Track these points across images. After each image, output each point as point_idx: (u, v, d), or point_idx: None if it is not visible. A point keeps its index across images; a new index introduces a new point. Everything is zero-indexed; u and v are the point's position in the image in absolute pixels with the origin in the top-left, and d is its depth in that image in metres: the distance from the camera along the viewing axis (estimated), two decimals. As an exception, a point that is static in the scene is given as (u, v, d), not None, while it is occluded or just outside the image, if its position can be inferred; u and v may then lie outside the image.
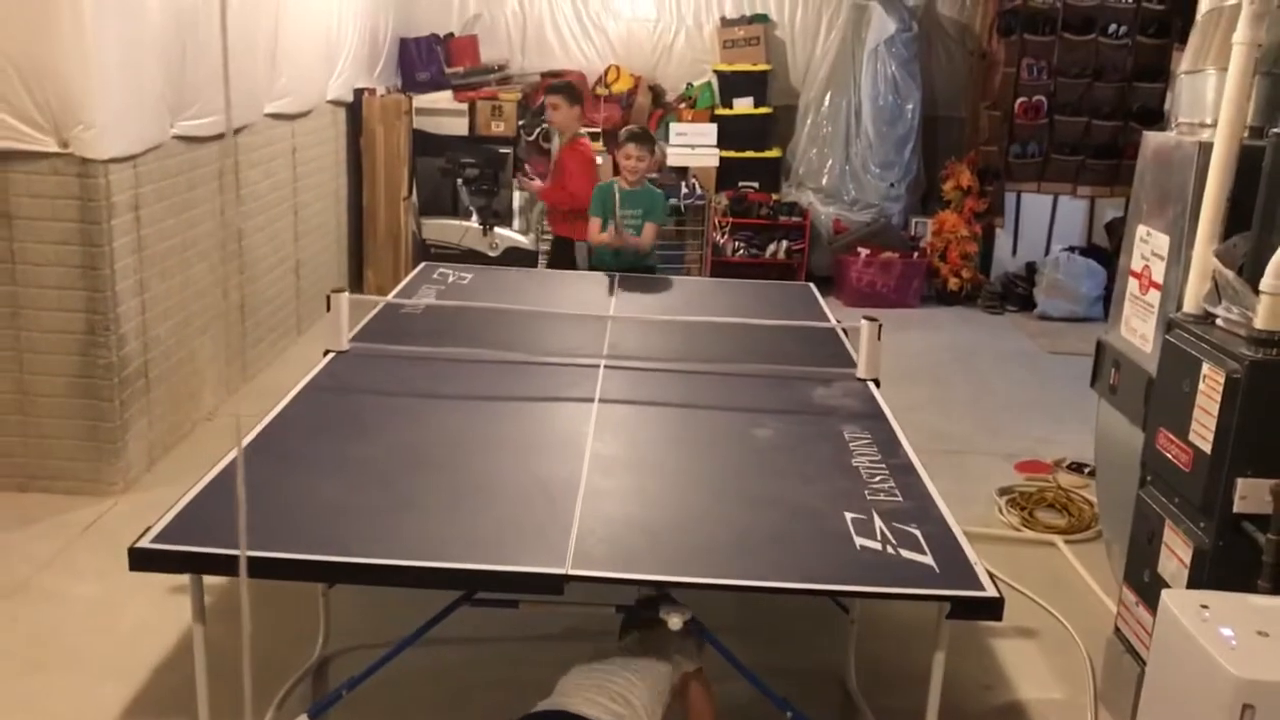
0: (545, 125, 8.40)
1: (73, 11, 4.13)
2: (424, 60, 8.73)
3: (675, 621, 2.61)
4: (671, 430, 3.45)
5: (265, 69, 6.02)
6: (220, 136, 5.48)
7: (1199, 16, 3.87)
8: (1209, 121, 3.55)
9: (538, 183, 6.91)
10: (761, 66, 8.94)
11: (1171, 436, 3.19)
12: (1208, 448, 2.98)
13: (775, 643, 3.74)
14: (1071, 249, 8.64)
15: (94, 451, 4.54)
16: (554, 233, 6.39)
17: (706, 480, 3.06)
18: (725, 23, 9.08)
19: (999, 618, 2.44)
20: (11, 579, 3.93)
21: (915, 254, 8.69)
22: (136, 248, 4.60)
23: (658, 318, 4.58)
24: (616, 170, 6.06)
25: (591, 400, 3.55)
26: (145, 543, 2.44)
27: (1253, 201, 3.16)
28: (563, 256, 6.14)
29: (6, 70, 4.13)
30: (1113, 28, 8.54)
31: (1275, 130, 3.14)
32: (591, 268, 5.66)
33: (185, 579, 2.59)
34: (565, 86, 6.35)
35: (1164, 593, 2.74)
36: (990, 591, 2.42)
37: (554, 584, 2.41)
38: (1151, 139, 3.94)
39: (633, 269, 5.47)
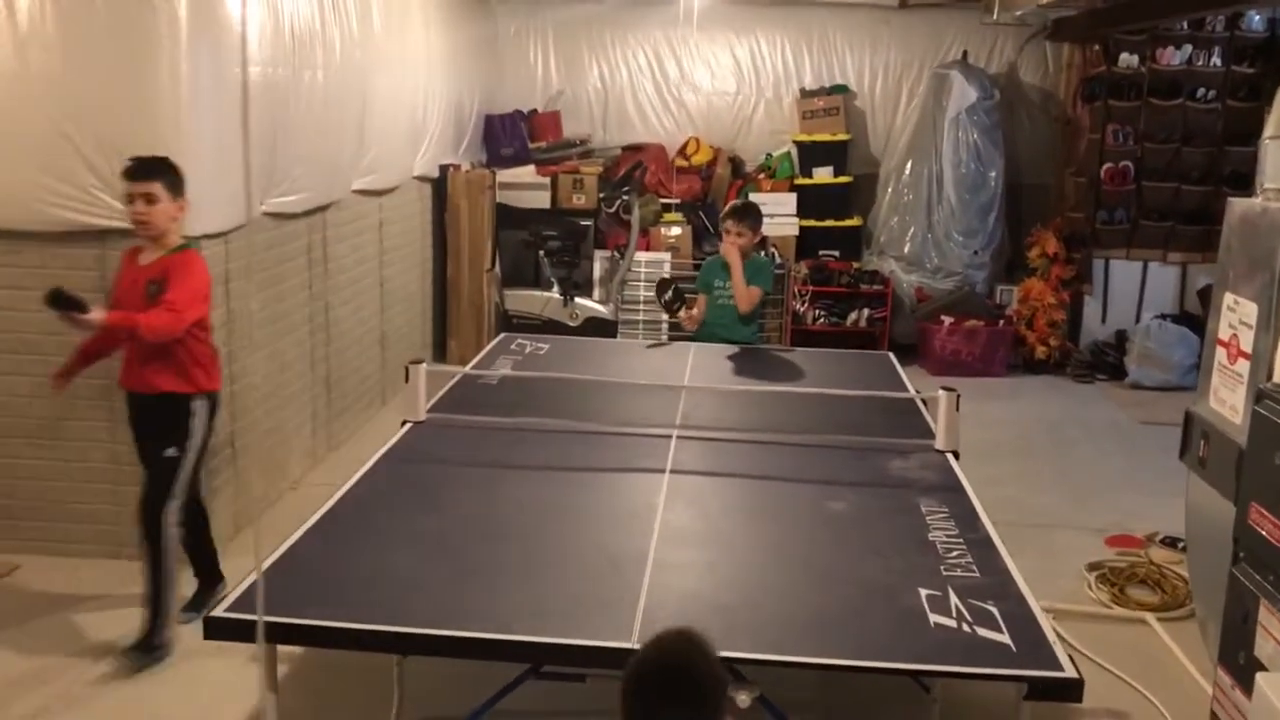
0: (626, 198, 8.52)
1: (171, 94, 4.32)
2: (508, 136, 8.93)
3: (744, 699, 2.57)
4: (743, 502, 3.42)
5: (353, 146, 6.21)
6: (310, 213, 5.66)
7: (1284, 80, 3.80)
8: (1296, 187, 3.47)
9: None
10: (841, 136, 8.97)
11: (1264, 511, 3.07)
12: (1302, 524, 2.86)
13: (855, 724, 3.65)
14: (1163, 316, 8.44)
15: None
16: (128, 386, 4.06)
17: (777, 554, 3.03)
18: (804, 94, 9.15)
19: (1079, 699, 2.36)
20: (101, 644, 4.02)
21: (1001, 322, 8.57)
22: (226, 320, 4.75)
23: (731, 387, 4.57)
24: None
25: (663, 471, 3.54)
26: (219, 612, 2.48)
27: (1344, 268, 3.07)
28: (156, 418, 4.02)
29: (107, 152, 4.31)
30: (1201, 91, 8.41)
31: (1365, 195, 3.06)
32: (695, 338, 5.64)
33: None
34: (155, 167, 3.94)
35: (1259, 676, 2.62)
36: (1069, 672, 2.34)
37: (620, 658, 2.38)
38: (1237, 205, 3.85)
39: (733, 342, 5.39)
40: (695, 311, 5.58)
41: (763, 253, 8.54)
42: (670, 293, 5.51)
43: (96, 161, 4.34)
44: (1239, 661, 3.17)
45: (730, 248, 5.34)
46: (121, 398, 4.37)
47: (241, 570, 2.71)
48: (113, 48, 4.28)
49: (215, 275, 4.60)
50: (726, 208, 5.86)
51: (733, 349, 5.36)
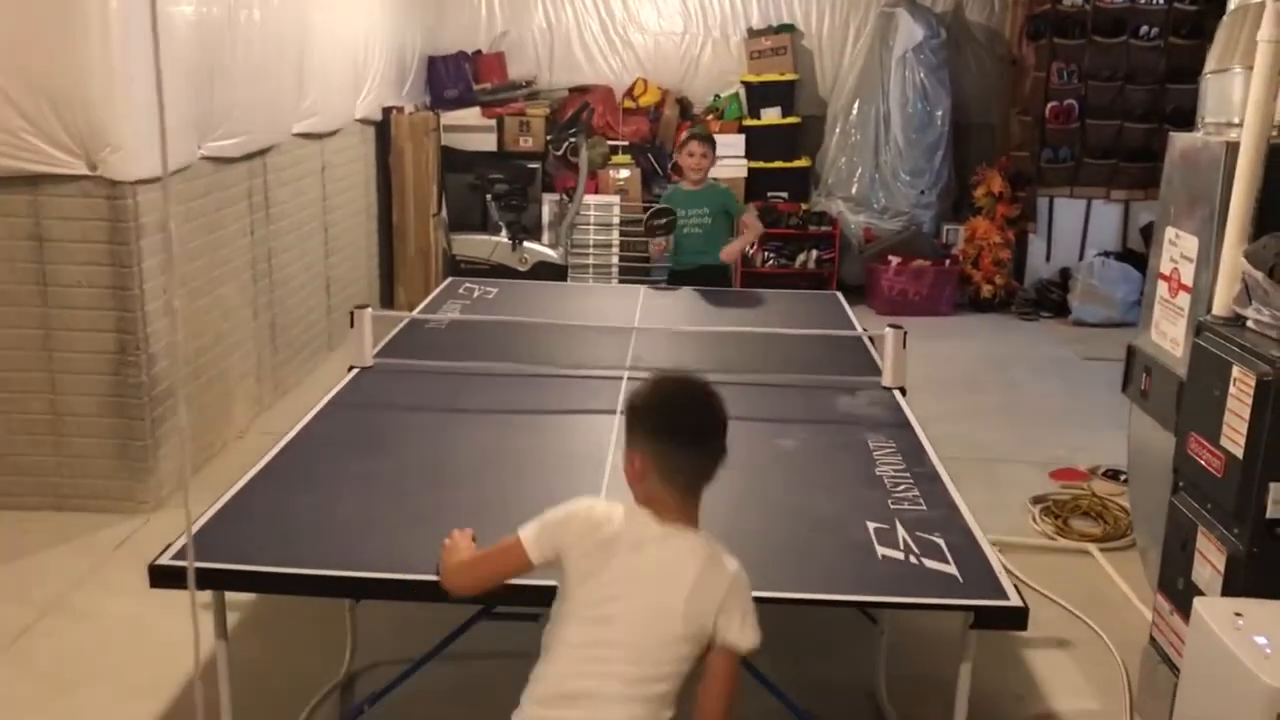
0: (573, 141, 8.43)
1: (100, 36, 4.19)
2: (452, 78, 8.79)
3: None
4: (694, 441, 3.42)
5: (292, 88, 6.08)
6: (250, 157, 5.54)
7: (1225, 15, 3.82)
8: (1236, 121, 3.49)
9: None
10: (789, 76, 8.93)
11: (1203, 441, 3.13)
12: (1239, 452, 2.92)
13: (805, 657, 3.70)
14: (1106, 254, 8.54)
15: (125, 470, 4.59)
16: None
17: (728, 491, 3.01)
18: (752, 33, 9.07)
19: (1024, 627, 2.40)
20: (45, 597, 3.98)
21: (947, 261, 8.63)
22: (166, 268, 4.65)
23: (682, 328, 4.56)
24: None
25: (614, 412, 3.54)
26: (165, 560, 2.45)
27: (1282, 201, 3.11)
28: None
29: (36, 95, 4.19)
30: (1144, 29, 8.44)
31: (1303, 128, 3.09)
32: (671, 276, 5.67)
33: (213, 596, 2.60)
34: None
35: (1197, 601, 2.69)
36: (1014, 601, 2.38)
37: (573, 597, 2.39)
38: (1178, 140, 3.88)
39: (707, 274, 5.48)
40: (663, 242, 5.59)
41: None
42: (665, 220, 5.45)
43: (25, 105, 4.21)
44: (1178, 588, 3.25)
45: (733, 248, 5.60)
46: (63, 346, 4.30)
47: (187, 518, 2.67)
48: (38, -14, 4.14)
49: (152, 221, 4.51)
50: (686, 132, 6.03)
51: (684, 290, 5.36)
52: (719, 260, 5.57)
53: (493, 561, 2.21)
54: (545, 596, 2.46)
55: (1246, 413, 2.89)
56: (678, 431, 2.10)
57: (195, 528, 2.61)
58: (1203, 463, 3.13)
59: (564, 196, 8.51)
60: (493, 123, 8.51)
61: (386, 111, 7.86)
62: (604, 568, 2.07)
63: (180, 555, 2.48)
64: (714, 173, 8.78)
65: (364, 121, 7.54)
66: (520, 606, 2.80)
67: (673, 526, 2.10)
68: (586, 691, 2.04)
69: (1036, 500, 4.99)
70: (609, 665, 2.03)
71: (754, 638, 2.08)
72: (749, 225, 5.77)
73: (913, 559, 2.56)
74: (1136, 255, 8.42)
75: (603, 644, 2.05)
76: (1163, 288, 3.88)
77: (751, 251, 8.57)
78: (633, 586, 2.05)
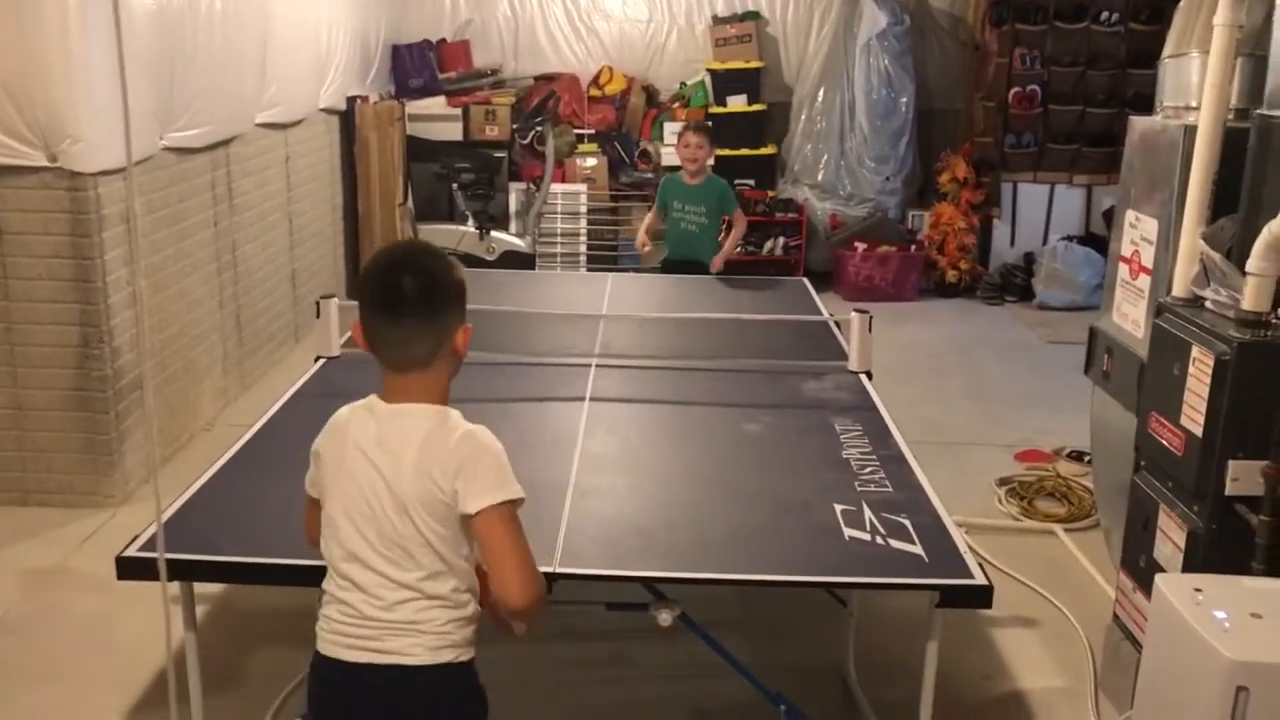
0: (539, 129, 8.41)
1: (59, 26, 4.13)
2: (416, 66, 8.74)
3: (665, 618, 2.61)
4: (662, 427, 3.45)
5: (255, 77, 6.02)
6: (213, 147, 5.50)
7: (1182, 0, 3.86)
8: (1194, 104, 3.54)
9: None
10: (754, 64, 8.93)
11: (1163, 421, 3.17)
12: (1199, 431, 2.97)
13: (774, 639, 3.73)
14: (1069, 238, 8.62)
15: (91, 464, 4.55)
16: None
17: (696, 476, 3.06)
18: (717, 21, 9.07)
19: (989, 605, 2.44)
20: (10, 593, 3.94)
21: (913, 247, 8.68)
22: (129, 259, 4.61)
23: (649, 315, 4.58)
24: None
25: (583, 399, 3.55)
26: (131, 552, 2.44)
27: (1239, 184, 3.15)
28: None
29: (-7, 85, 4.14)
30: (1105, 15, 8.52)
31: (1259, 112, 3.13)
32: (663, 266, 5.74)
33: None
34: None
35: (1158, 577, 2.72)
36: (979, 579, 2.42)
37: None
38: (1138, 124, 3.92)
39: (696, 268, 5.57)
40: (645, 229, 5.70)
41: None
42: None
43: (-18, 95, 4.16)
44: (1140, 565, 3.30)
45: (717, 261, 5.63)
46: (24, 340, 4.25)
47: (154, 511, 2.66)
48: (-7, -26, 4.09)
49: (114, 213, 4.47)
50: (687, 123, 6.18)
51: (652, 277, 5.39)
52: (708, 260, 5.66)
53: (307, 513, 2.16)
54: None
55: (1205, 392, 2.93)
56: (369, 296, 2.00)
57: (162, 519, 2.61)
58: (1163, 442, 3.17)
59: (531, 185, 8.49)
60: (458, 112, 8.48)
61: (351, 101, 7.80)
62: (341, 458, 2.00)
63: (147, 546, 2.47)
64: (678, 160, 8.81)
65: (328, 111, 7.49)
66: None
67: (401, 406, 2.00)
68: (348, 603, 1.99)
69: (1002, 482, 5.04)
70: (366, 550, 1.97)
71: (497, 494, 1.94)
72: (738, 223, 5.85)
73: (879, 540, 2.59)
74: (1099, 239, 8.50)
75: (354, 531, 1.98)
76: (1124, 270, 3.92)
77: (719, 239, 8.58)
78: (362, 465, 1.97)
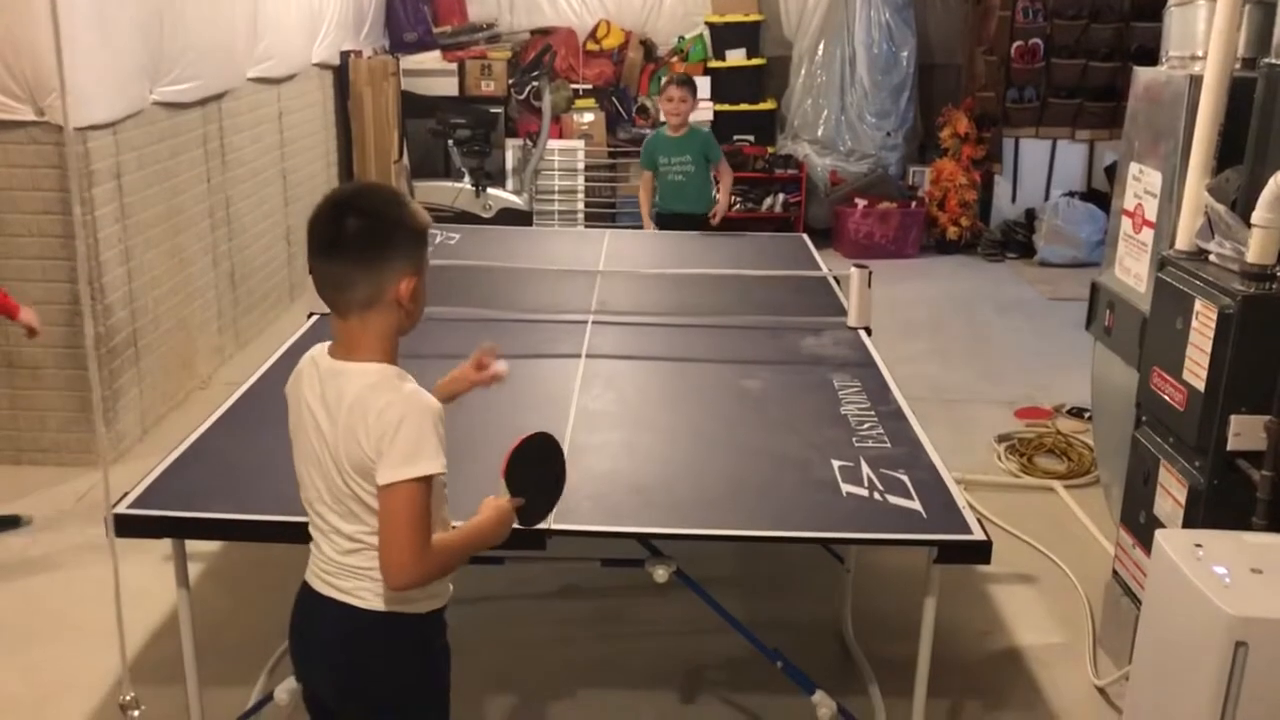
0: (536, 84, 8.31)
1: (43, -24, 4.06)
2: (411, 20, 8.63)
3: (661, 574, 2.59)
4: (659, 384, 3.41)
5: (246, 31, 5.94)
6: (204, 102, 5.42)
7: (1190, -53, 3.78)
8: (1199, 54, 3.48)
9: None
10: (754, 17, 8.82)
11: (1165, 375, 3.14)
12: (1201, 385, 2.93)
13: (772, 595, 3.72)
14: (1071, 194, 8.55)
15: (85, 422, 4.52)
16: None
17: (693, 433, 3.03)
18: (716, -27, 8.95)
19: (987, 561, 2.42)
20: (6, 552, 3.93)
21: (913, 203, 8.61)
22: (120, 216, 4.56)
23: (646, 271, 4.53)
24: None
25: (579, 356, 3.51)
26: (123, 509, 2.41)
27: (1245, 135, 3.10)
28: None
29: (-21, 38, 4.07)
30: (1109, -33, 8.40)
31: (1266, 61, 3.07)
32: (660, 219, 5.71)
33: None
34: None
35: (1158, 533, 2.70)
36: (978, 535, 2.39)
37: (536, 540, 2.39)
38: (1142, 74, 3.86)
39: (688, 221, 5.55)
40: (647, 213, 5.72)
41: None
42: None
43: (-33, 48, 4.09)
44: (1139, 521, 3.28)
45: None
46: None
47: (148, 468, 2.64)
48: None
49: (105, 169, 4.41)
50: (666, 77, 6.05)
51: (650, 233, 5.34)
52: (701, 210, 5.66)
53: None
54: (511, 541, 2.45)
55: (1208, 346, 2.90)
56: (310, 233, 1.90)
57: (153, 476, 2.59)
58: (1165, 397, 3.14)
59: (527, 141, 8.41)
60: (454, 66, 8.39)
61: (344, 55, 7.71)
62: (299, 409, 1.98)
63: (139, 504, 2.45)
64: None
65: (321, 66, 7.39)
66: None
67: (340, 364, 1.91)
68: (316, 542, 2.02)
69: (1002, 439, 5.02)
70: (318, 501, 1.97)
71: (402, 470, 1.82)
72: (725, 174, 5.83)
73: (877, 495, 2.56)
74: (1101, 195, 8.43)
75: (309, 481, 1.97)
76: (1126, 224, 3.87)
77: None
78: (309, 420, 1.94)
